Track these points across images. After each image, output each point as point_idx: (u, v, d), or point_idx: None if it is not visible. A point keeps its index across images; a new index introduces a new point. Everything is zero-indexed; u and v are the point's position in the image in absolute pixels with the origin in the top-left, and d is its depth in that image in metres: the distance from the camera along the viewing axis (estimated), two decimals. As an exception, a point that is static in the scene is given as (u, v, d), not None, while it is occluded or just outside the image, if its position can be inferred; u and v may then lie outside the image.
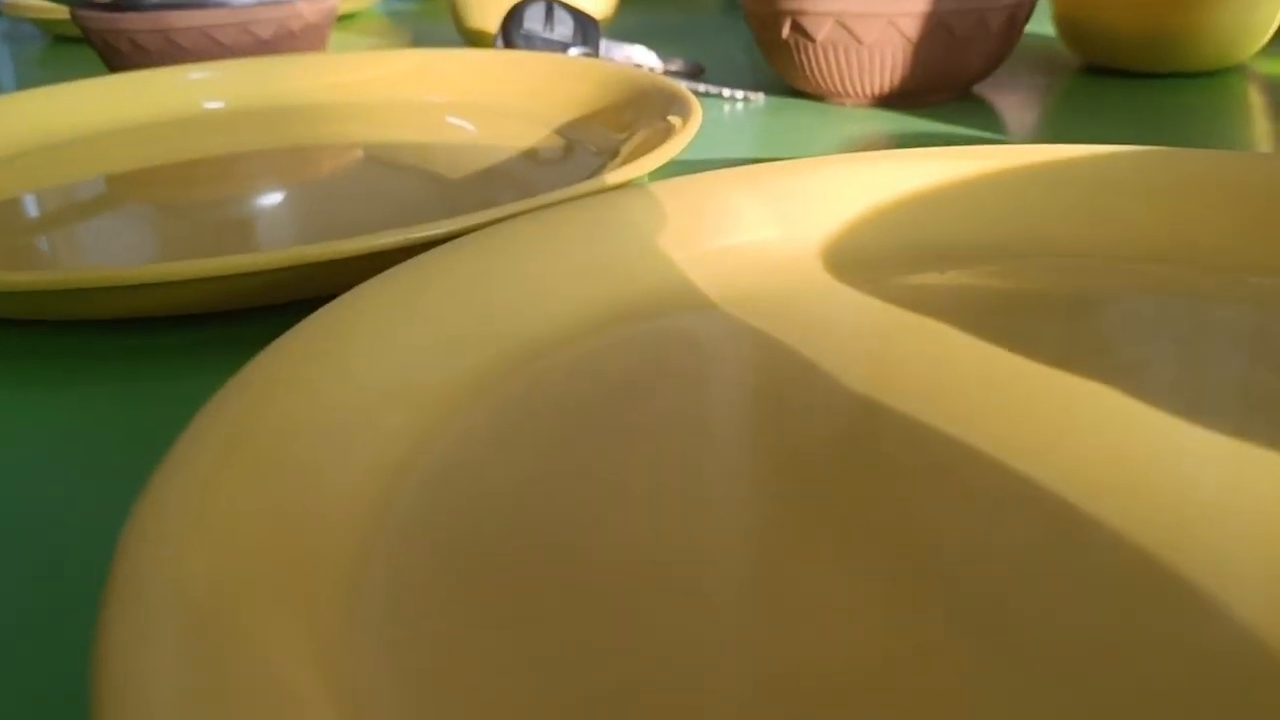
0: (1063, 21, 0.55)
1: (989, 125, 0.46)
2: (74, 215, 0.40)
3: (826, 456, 0.20)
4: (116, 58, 0.56)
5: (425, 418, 0.21)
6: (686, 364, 0.24)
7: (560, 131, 0.44)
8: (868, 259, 0.29)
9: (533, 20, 0.54)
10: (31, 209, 0.41)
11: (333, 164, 0.45)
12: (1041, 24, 0.61)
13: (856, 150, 0.43)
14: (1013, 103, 0.50)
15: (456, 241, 0.26)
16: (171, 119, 0.49)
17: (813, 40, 0.47)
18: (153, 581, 0.14)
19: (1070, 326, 0.26)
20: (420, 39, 0.78)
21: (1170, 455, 0.20)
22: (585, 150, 0.42)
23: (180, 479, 0.16)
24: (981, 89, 0.53)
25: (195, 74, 0.50)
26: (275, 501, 0.17)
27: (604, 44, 0.55)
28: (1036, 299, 0.27)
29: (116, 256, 0.36)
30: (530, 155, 0.42)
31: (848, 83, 0.48)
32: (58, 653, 0.17)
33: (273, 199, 0.41)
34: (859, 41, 0.46)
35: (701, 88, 0.52)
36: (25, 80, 0.75)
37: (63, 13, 0.86)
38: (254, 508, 0.17)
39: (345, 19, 0.86)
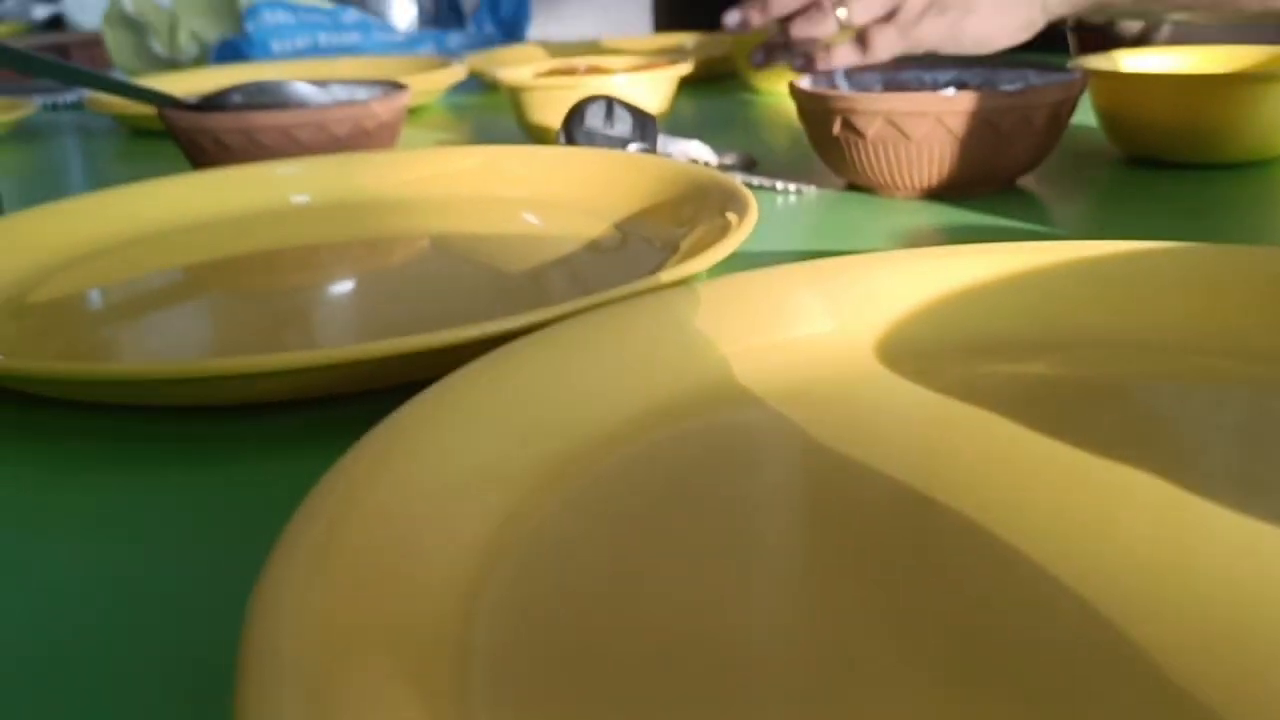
0: (1104, 115, 0.57)
1: (1034, 217, 0.47)
2: (169, 303, 0.43)
3: (882, 544, 0.21)
4: (200, 154, 0.60)
5: (513, 499, 0.23)
6: (748, 454, 0.26)
7: (621, 225, 0.46)
8: (920, 351, 0.31)
9: (594, 117, 0.57)
10: (128, 298, 0.43)
11: (405, 255, 0.47)
12: (1085, 114, 0.62)
13: (906, 242, 0.45)
14: (1057, 194, 0.52)
15: (531, 337, 0.28)
16: (256, 212, 0.52)
17: (863, 136, 0.49)
18: (274, 664, 0.15)
19: (1118, 415, 0.27)
20: (483, 133, 0.81)
21: (1220, 544, 0.21)
22: (646, 244, 0.44)
23: (295, 560, 0.18)
24: (1026, 180, 0.54)
25: (280, 170, 0.53)
26: (383, 580, 0.19)
27: (661, 139, 0.58)
28: (1084, 388, 0.28)
29: (209, 345, 0.38)
30: (593, 248, 0.44)
31: (897, 176, 0.50)
32: None
33: (349, 289, 0.43)
34: (907, 138, 0.48)
35: (755, 180, 0.54)
36: (107, 174, 0.79)
37: (141, 108, 0.90)
38: (364, 587, 0.18)
39: (412, 113, 0.90)
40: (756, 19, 0.71)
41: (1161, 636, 0.18)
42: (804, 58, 0.71)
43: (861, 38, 0.70)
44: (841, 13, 0.69)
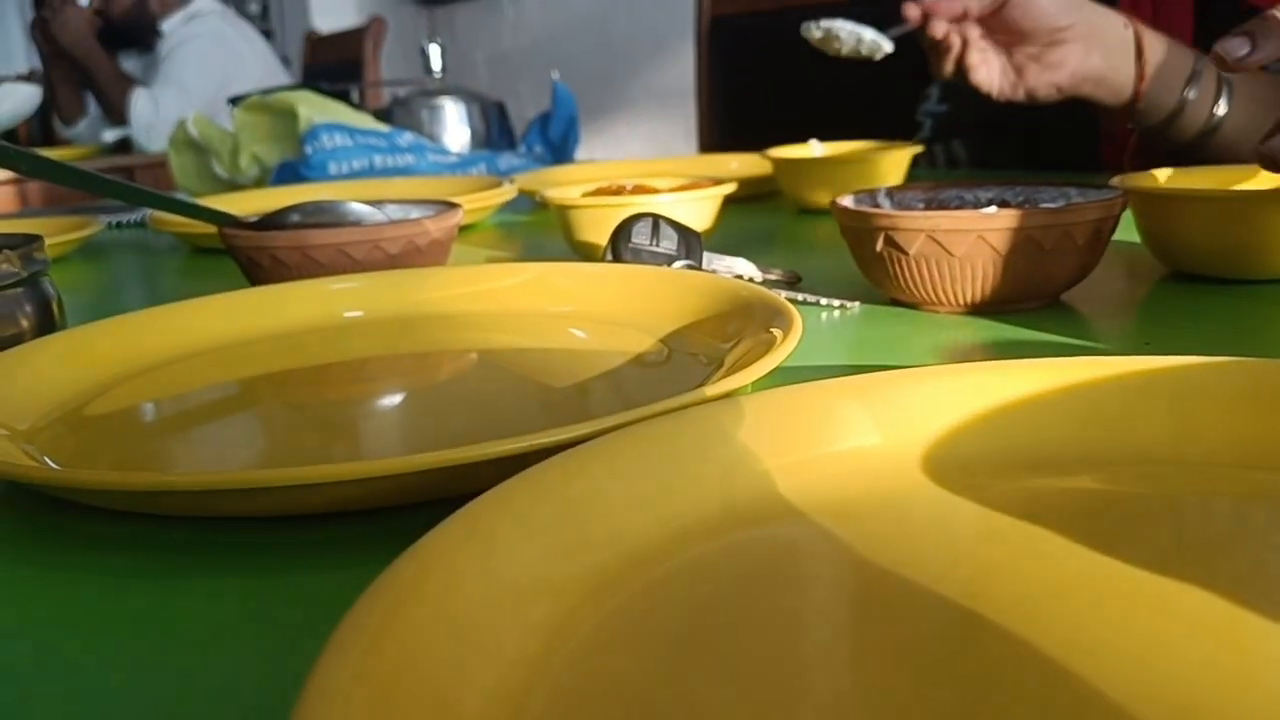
0: (1147, 232, 0.57)
1: (1079, 332, 0.47)
2: (223, 415, 0.44)
3: (928, 662, 0.21)
4: (258, 271, 0.61)
5: (558, 614, 0.23)
6: (793, 569, 0.26)
7: (667, 340, 0.47)
8: (965, 465, 0.31)
9: (639, 235, 0.58)
10: (184, 410, 0.44)
11: (454, 369, 0.48)
12: (1129, 230, 0.63)
13: (950, 357, 0.45)
14: (1101, 309, 0.52)
15: (576, 450, 0.28)
16: (310, 327, 0.53)
17: (905, 254, 0.49)
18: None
19: (1167, 532, 0.26)
20: (532, 250, 0.83)
21: (1273, 662, 0.20)
22: (691, 359, 0.44)
23: (338, 675, 0.18)
24: (1070, 295, 0.54)
25: (334, 285, 0.55)
26: (426, 696, 0.19)
27: (706, 256, 0.59)
28: (1132, 504, 0.28)
29: (262, 457, 0.39)
30: (639, 363, 0.45)
31: (940, 292, 0.50)
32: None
33: (399, 402, 0.44)
34: (950, 254, 0.48)
35: (799, 296, 0.55)
36: (168, 290, 0.82)
37: (203, 227, 0.93)
38: (406, 703, 0.18)
39: (463, 231, 0.92)
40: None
41: (1221, 760, 0.17)
42: None
43: None
44: None
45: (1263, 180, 0.61)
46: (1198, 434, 0.30)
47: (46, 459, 0.36)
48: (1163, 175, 0.61)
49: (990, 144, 1.04)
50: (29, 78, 2.77)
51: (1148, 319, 0.52)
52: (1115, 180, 0.58)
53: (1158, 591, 0.23)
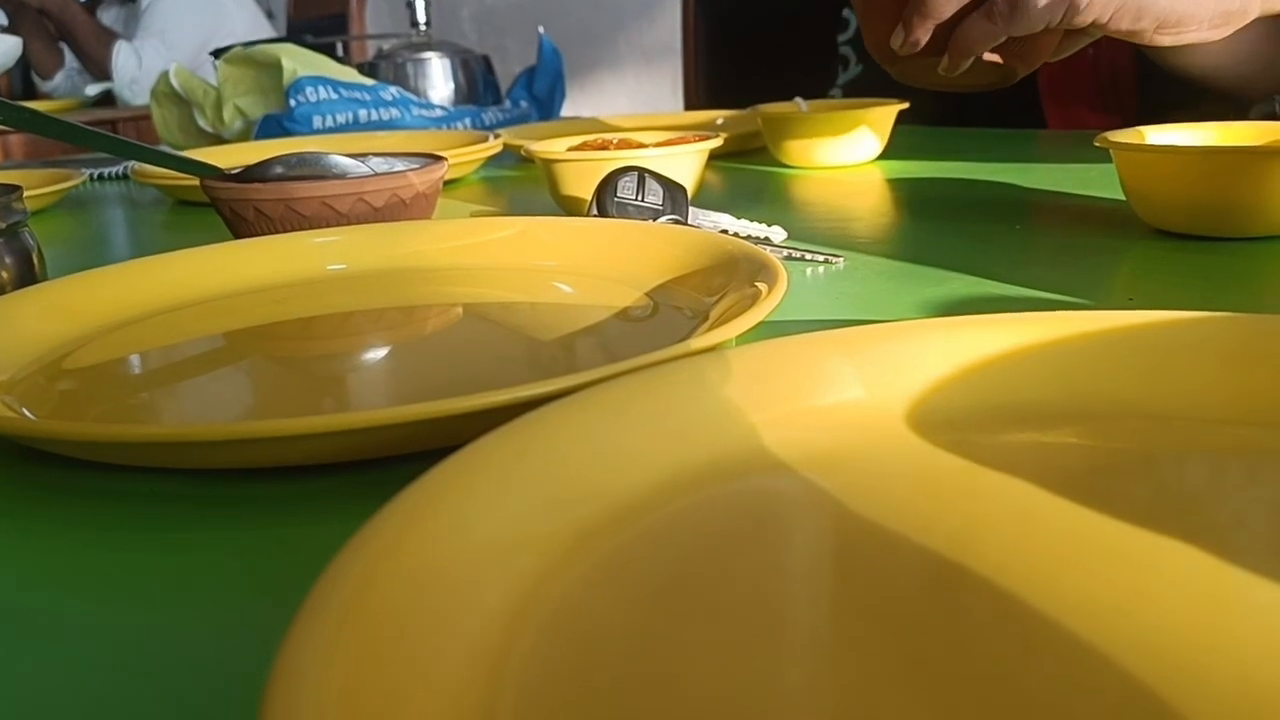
0: (1130, 190, 0.57)
1: (1063, 288, 0.47)
2: (206, 368, 0.43)
3: (911, 613, 0.21)
4: (241, 224, 0.61)
5: (541, 565, 0.23)
6: (777, 521, 0.26)
7: (652, 295, 0.47)
8: (950, 419, 0.31)
9: (625, 189, 0.57)
10: (167, 363, 0.44)
11: (438, 323, 0.48)
12: (1113, 188, 0.63)
13: (935, 312, 0.45)
14: (1085, 266, 0.52)
15: (560, 402, 0.28)
16: (294, 280, 0.52)
17: None
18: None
19: (1150, 486, 0.27)
20: (517, 205, 0.83)
21: (1254, 616, 0.20)
22: (677, 313, 0.44)
23: (318, 626, 0.18)
24: (1056, 252, 0.54)
25: (318, 239, 0.55)
26: (408, 647, 0.19)
27: (692, 211, 0.58)
28: (1115, 458, 0.28)
29: (245, 409, 0.39)
30: (624, 317, 0.45)
31: None
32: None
33: (383, 355, 0.44)
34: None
35: (785, 251, 0.55)
36: (151, 243, 0.81)
37: (186, 179, 0.92)
38: (388, 653, 0.18)
39: (448, 186, 0.91)
40: (921, 32, 0.62)
41: (1195, 711, 0.18)
42: (960, 49, 0.61)
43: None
44: None
45: (1246, 137, 0.61)
46: (1180, 389, 0.31)
47: (25, 410, 0.36)
48: (1147, 132, 0.61)
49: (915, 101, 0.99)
50: (8, 29, 2.74)
51: (1131, 275, 0.52)
52: (1099, 138, 0.58)
53: (1139, 544, 0.23)
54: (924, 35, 0.62)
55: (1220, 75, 0.79)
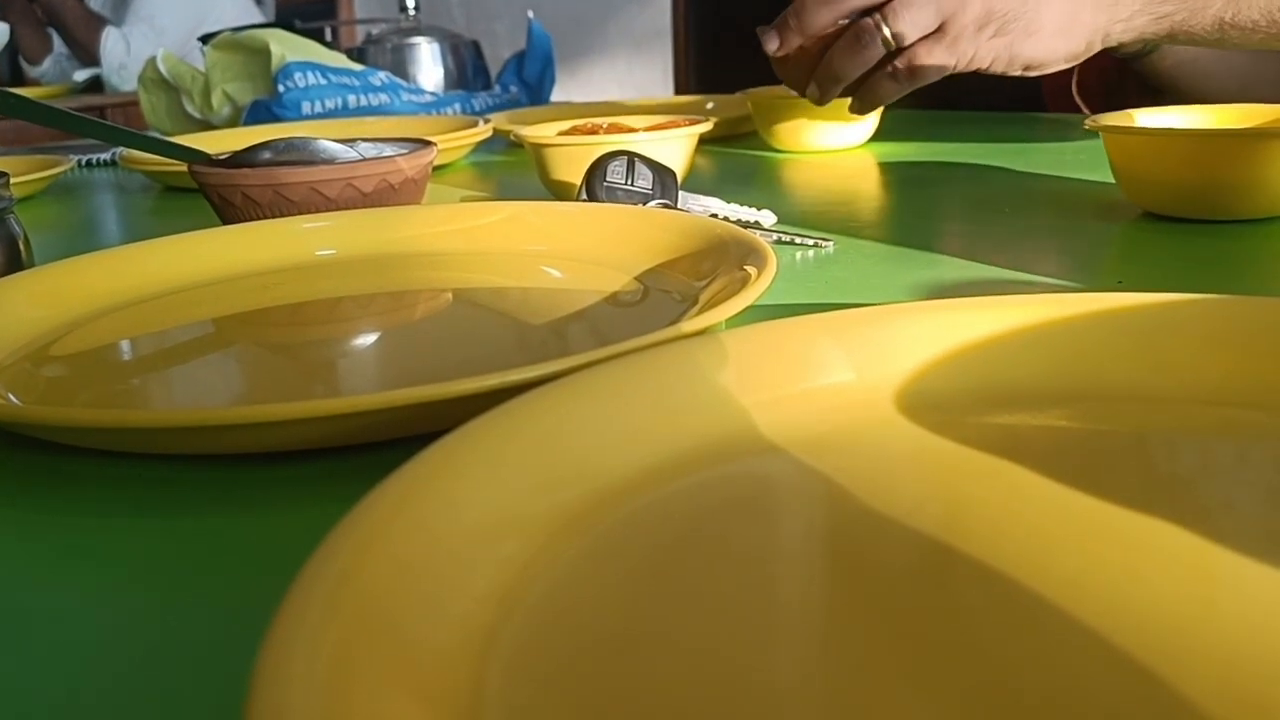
0: (1120, 171, 0.57)
1: (1053, 271, 0.47)
2: (195, 354, 0.43)
3: (901, 595, 0.21)
4: (229, 210, 0.61)
5: (530, 549, 0.23)
6: (767, 504, 0.26)
7: (641, 279, 0.47)
8: (940, 402, 0.31)
9: (615, 173, 0.57)
10: (155, 349, 0.44)
11: (428, 308, 0.48)
12: (1102, 170, 0.63)
13: (924, 295, 0.45)
14: (1075, 248, 0.52)
15: (549, 385, 0.28)
16: (283, 266, 0.52)
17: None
18: (286, 711, 0.15)
19: (1138, 468, 0.27)
20: (507, 189, 0.82)
21: (1243, 597, 0.20)
22: (666, 297, 0.44)
23: (306, 609, 0.18)
24: (1046, 234, 0.54)
25: (306, 224, 0.54)
26: (396, 630, 0.19)
27: (681, 196, 0.58)
28: (1104, 440, 0.28)
29: (234, 395, 0.39)
30: (613, 301, 0.45)
31: None
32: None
33: (373, 341, 0.44)
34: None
35: (774, 235, 0.55)
36: (139, 229, 0.81)
37: (174, 165, 0.92)
38: (376, 637, 0.18)
39: (438, 171, 0.91)
40: (794, 40, 0.67)
41: (1185, 692, 0.18)
42: (827, 85, 0.67)
43: (905, 59, 0.65)
44: (886, 31, 0.64)
45: (1236, 120, 0.61)
46: (1169, 371, 0.31)
47: (11, 396, 0.36)
48: (1138, 115, 0.61)
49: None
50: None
51: (1120, 258, 0.52)
52: (1089, 121, 0.58)
53: (1129, 526, 0.23)
54: (788, 47, 0.69)
55: (1225, 89, 0.81)
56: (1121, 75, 0.93)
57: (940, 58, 0.65)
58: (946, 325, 0.32)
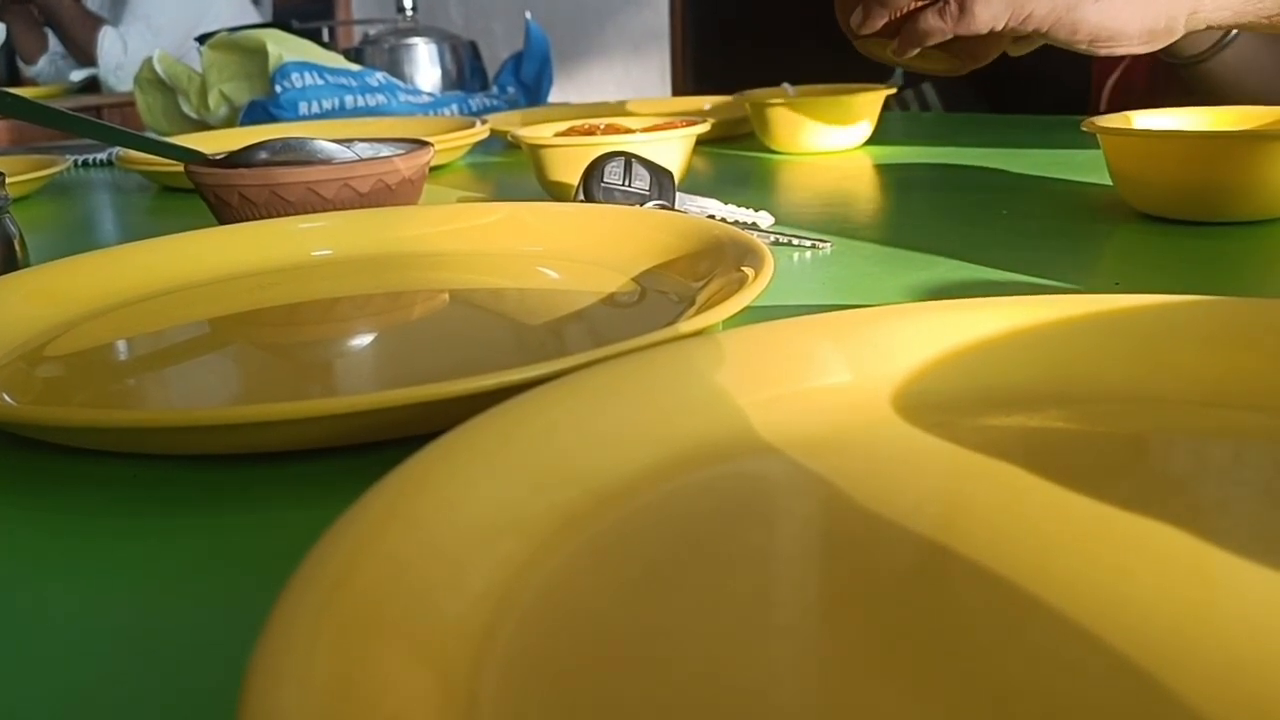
0: (1118, 173, 0.57)
1: (1050, 272, 0.47)
2: (191, 354, 0.43)
3: (899, 596, 0.21)
4: (226, 210, 0.61)
5: (527, 549, 0.23)
6: (764, 504, 0.26)
7: (638, 280, 0.46)
8: (937, 403, 0.31)
9: (612, 174, 0.57)
10: (152, 349, 0.44)
11: (424, 309, 0.48)
12: (1100, 172, 0.63)
13: (922, 297, 0.45)
14: (1072, 250, 0.52)
15: (546, 386, 0.28)
16: (279, 266, 0.52)
17: None
18: (280, 711, 0.15)
19: (1135, 469, 0.27)
20: (504, 190, 0.82)
21: (1240, 599, 0.20)
22: (663, 298, 0.44)
23: (301, 609, 0.18)
24: (1043, 236, 0.54)
25: (303, 224, 0.54)
26: (392, 630, 0.19)
27: (679, 197, 0.58)
28: (1101, 441, 0.28)
29: (231, 395, 0.39)
30: (611, 302, 0.45)
31: None
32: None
33: (369, 341, 0.44)
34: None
35: (772, 236, 0.55)
36: (136, 229, 0.81)
37: (170, 165, 0.91)
38: (371, 637, 0.18)
39: (435, 172, 0.91)
40: (876, 19, 0.65)
41: (1182, 693, 0.18)
42: (909, 39, 0.64)
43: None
44: None
45: (1234, 122, 0.61)
46: (1166, 372, 0.31)
47: (6, 396, 0.36)
48: (1135, 117, 0.61)
49: (959, 87, 1.03)
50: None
51: (1117, 259, 0.52)
52: (1085, 123, 0.58)
53: (1125, 527, 0.23)
54: (878, 23, 0.66)
55: (1242, 89, 0.80)
56: (1157, 80, 0.92)
57: (995, 7, 0.60)
58: (943, 326, 0.32)
